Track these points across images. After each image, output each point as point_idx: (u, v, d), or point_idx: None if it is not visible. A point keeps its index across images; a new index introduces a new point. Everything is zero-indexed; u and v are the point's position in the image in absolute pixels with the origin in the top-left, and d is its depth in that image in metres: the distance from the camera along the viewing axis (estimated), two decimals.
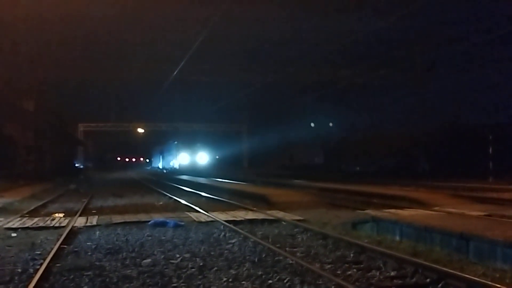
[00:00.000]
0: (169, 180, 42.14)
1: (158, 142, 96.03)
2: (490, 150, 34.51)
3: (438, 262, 8.22)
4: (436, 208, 15.22)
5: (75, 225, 12.99)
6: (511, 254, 7.90)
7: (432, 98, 47.23)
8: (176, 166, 76.31)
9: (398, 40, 40.77)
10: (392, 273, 7.64)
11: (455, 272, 7.31)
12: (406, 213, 13.44)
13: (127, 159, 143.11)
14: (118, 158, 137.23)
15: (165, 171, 76.94)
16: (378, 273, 7.66)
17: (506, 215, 12.86)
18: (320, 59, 41.31)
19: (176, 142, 75.86)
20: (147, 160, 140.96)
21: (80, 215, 15.29)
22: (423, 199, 17.89)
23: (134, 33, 39.86)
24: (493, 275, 7.52)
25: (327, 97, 51.80)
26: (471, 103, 43.03)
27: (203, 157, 73.19)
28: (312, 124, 63.65)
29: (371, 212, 14.05)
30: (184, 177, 45.93)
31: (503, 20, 33.86)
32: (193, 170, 60.10)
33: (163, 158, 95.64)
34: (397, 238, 10.81)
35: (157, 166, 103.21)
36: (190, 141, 71.59)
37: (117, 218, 14.17)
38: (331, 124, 62.74)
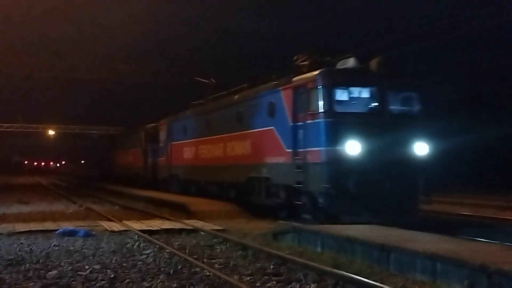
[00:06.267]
0: None
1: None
2: None
3: (359, 273, 8.41)
4: None
5: None
6: (430, 265, 8.20)
7: None
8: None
9: None
10: (313, 285, 7.75)
11: (375, 283, 7.50)
12: (328, 224, 13.67)
13: (35, 163, 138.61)
14: (26, 162, 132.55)
15: None
16: (298, 285, 7.76)
17: None
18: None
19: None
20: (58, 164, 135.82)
21: None
22: None
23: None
24: (412, 287, 7.78)
25: None
26: None
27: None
28: None
29: (292, 222, 14.22)
30: None
31: None
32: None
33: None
34: (319, 249, 10.98)
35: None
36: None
37: (21, 227, 13.67)
38: None
